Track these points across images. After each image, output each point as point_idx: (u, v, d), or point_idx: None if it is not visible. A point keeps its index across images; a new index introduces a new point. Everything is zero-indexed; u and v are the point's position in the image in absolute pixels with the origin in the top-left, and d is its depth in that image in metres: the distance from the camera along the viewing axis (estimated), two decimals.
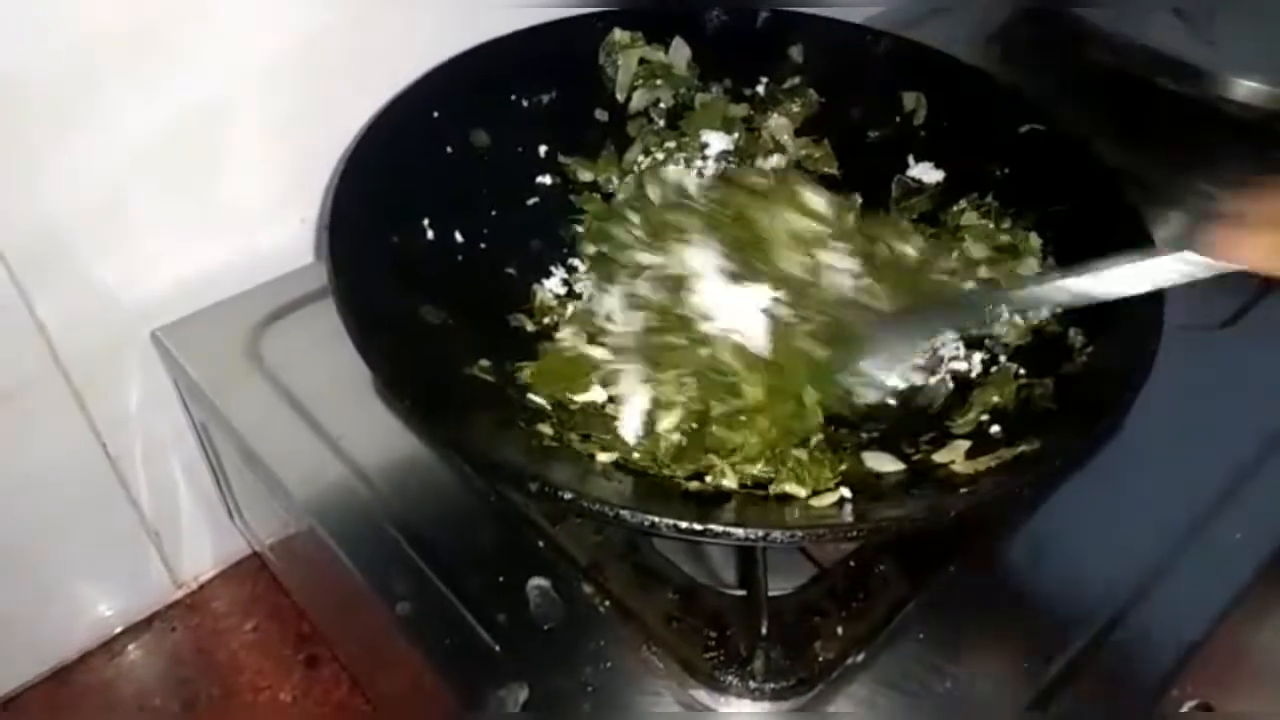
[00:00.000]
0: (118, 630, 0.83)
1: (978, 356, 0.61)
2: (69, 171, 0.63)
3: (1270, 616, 0.61)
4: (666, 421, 0.54)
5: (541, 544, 0.57)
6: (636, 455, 0.53)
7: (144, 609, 0.84)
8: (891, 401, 0.60)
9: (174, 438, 0.78)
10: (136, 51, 0.62)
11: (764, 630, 0.51)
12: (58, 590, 0.79)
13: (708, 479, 0.52)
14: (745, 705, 0.51)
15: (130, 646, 0.83)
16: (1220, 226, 0.47)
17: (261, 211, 0.74)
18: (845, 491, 0.51)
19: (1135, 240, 0.61)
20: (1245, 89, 0.87)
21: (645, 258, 0.64)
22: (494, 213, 0.70)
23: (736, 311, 0.60)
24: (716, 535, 0.45)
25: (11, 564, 0.75)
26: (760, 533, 0.45)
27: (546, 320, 0.67)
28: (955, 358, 0.60)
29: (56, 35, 0.59)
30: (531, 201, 0.72)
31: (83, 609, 0.81)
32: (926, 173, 0.74)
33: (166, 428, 0.77)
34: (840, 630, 0.53)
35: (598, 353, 0.60)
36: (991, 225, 0.67)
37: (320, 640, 0.82)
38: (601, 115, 0.76)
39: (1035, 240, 0.66)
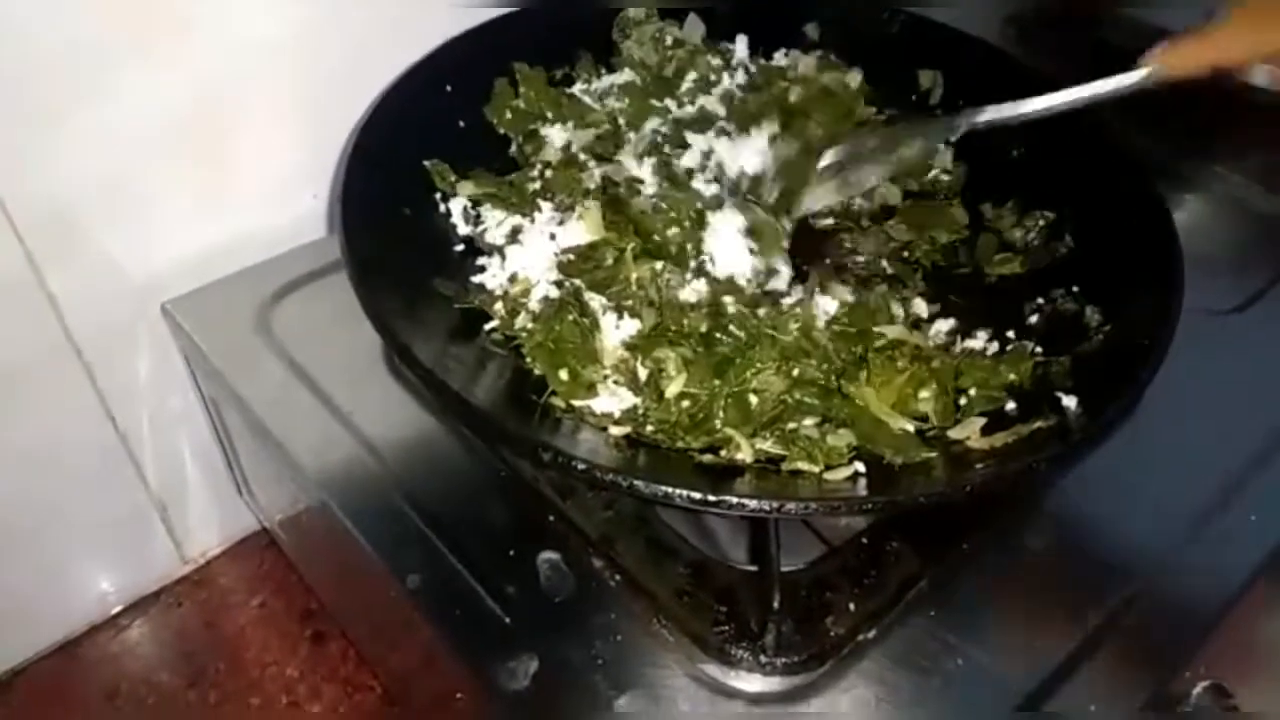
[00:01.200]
0: (124, 605, 0.83)
1: (987, 333, 0.60)
2: (81, 145, 0.63)
3: None
4: (674, 386, 0.53)
5: (552, 518, 0.57)
6: (650, 428, 0.53)
7: (151, 584, 0.84)
8: None
9: (183, 412, 0.78)
10: (150, 25, 0.62)
11: (775, 605, 0.51)
12: (65, 564, 0.79)
13: (721, 453, 0.52)
14: (755, 679, 0.50)
15: (137, 622, 0.83)
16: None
17: (273, 185, 0.74)
18: (859, 466, 0.50)
19: (1153, 219, 0.61)
20: (1262, 72, 0.86)
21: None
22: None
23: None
24: (731, 506, 0.45)
25: (19, 537, 0.75)
26: (775, 504, 0.45)
27: None
28: (970, 335, 0.60)
29: (70, 8, 0.58)
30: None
31: (90, 584, 0.81)
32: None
33: (176, 402, 0.77)
34: (852, 606, 0.53)
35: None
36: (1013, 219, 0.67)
37: (327, 616, 0.82)
38: None
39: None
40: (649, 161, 0.66)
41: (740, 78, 0.73)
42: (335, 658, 0.81)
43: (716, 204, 0.64)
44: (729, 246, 0.62)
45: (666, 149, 0.67)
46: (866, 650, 0.52)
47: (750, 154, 0.67)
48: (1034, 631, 0.53)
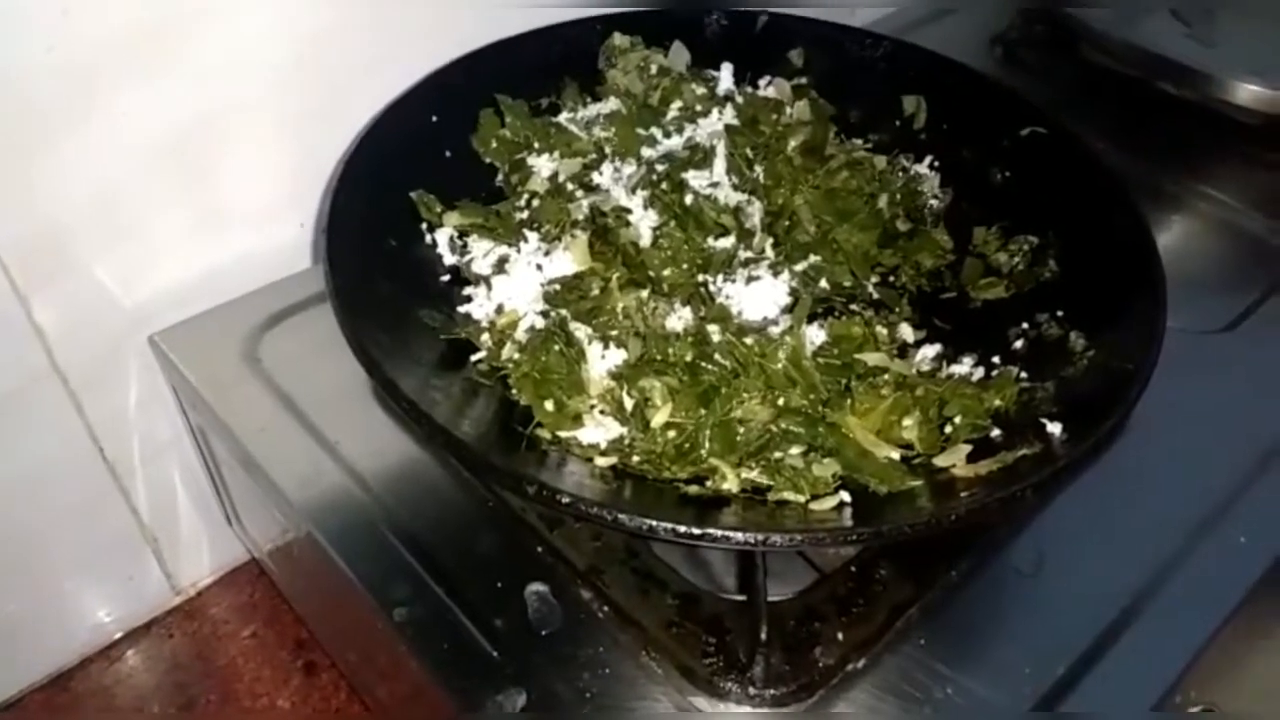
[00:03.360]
0: (116, 636, 0.83)
1: (973, 359, 0.60)
2: (68, 175, 0.63)
3: (1275, 619, 0.60)
4: (660, 416, 0.53)
5: (540, 549, 0.57)
6: (636, 458, 0.53)
7: (142, 615, 0.84)
8: None
9: (172, 443, 0.78)
10: (138, 56, 0.62)
11: (763, 636, 0.50)
12: (56, 596, 0.78)
13: (708, 484, 0.52)
14: (744, 712, 0.50)
15: (129, 652, 0.83)
16: None
17: (261, 215, 0.74)
18: (845, 495, 0.50)
19: (1136, 243, 0.61)
20: (1245, 92, 0.87)
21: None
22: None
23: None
24: (715, 539, 0.44)
25: (10, 569, 0.74)
26: (759, 536, 0.45)
27: None
28: (955, 361, 0.60)
29: (59, 39, 0.59)
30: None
31: (81, 615, 0.81)
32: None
33: (164, 433, 0.77)
34: (840, 636, 0.53)
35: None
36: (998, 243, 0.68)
37: (318, 647, 0.82)
38: None
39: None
40: (641, 194, 0.66)
41: (729, 113, 0.73)
42: (327, 688, 0.81)
43: (727, 259, 0.64)
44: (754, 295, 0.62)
45: (664, 186, 0.66)
46: (856, 680, 0.51)
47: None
48: (1024, 658, 0.53)
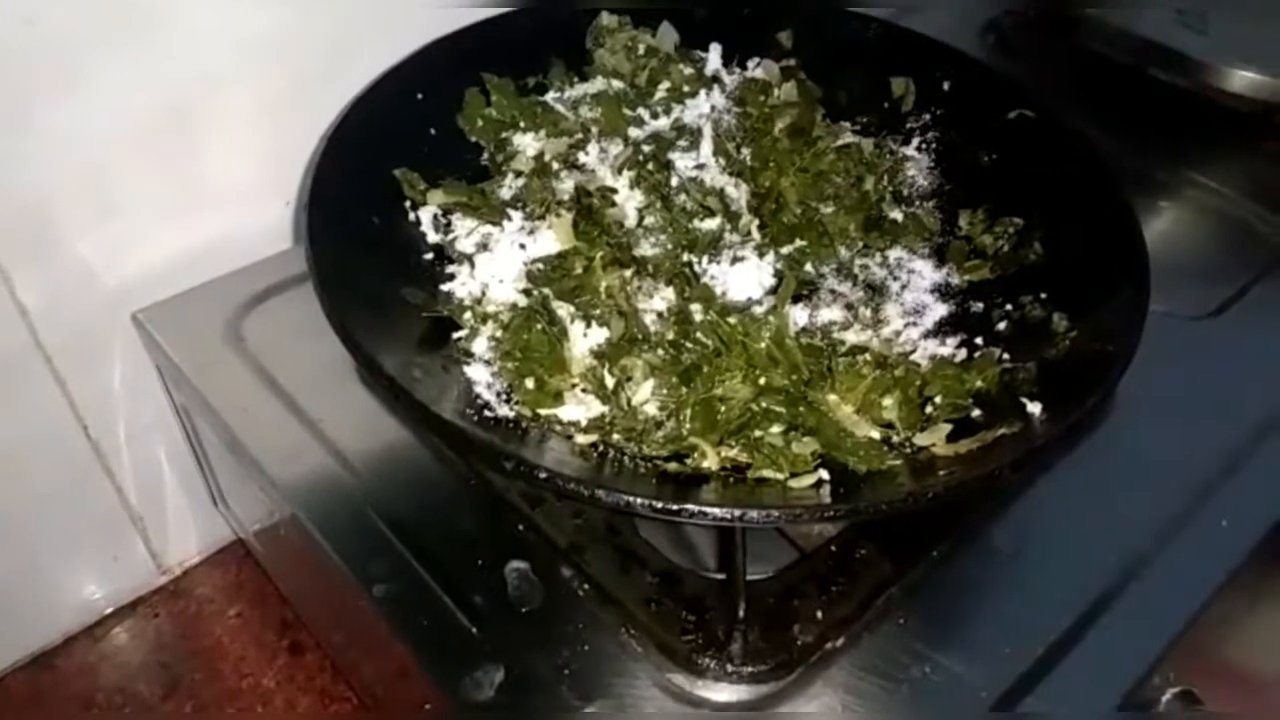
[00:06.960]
0: (101, 615, 0.83)
1: (956, 340, 0.60)
2: (51, 152, 0.63)
3: (1255, 604, 0.61)
4: (640, 394, 0.53)
5: (521, 527, 0.57)
6: (616, 436, 0.53)
7: (128, 594, 0.84)
8: None
9: (157, 422, 0.77)
10: (121, 30, 0.62)
11: (741, 613, 0.50)
12: (41, 574, 0.78)
13: (688, 461, 0.52)
14: (722, 688, 0.50)
15: (114, 631, 0.83)
16: None
17: (245, 193, 0.74)
18: (824, 473, 0.50)
19: (1120, 225, 0.61)
20: (1239, 79, 0.86)
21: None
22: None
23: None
24: (692, 515, 0.44)
25: None
26: (736, 513, 0.44)
27: None
28: (939, 342, 0.60)
29: (39, 12, 0.58)
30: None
31: (67, 594, 0.81)
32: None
33: (149, 411, 0.77)
34: (820, 614, 0.53)
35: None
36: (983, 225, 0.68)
37: (303, 627, 0.82)
38: None
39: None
40: (627, 175, 0.66)
41: (718, 97, 0.72)
42: (312, 668, 0.81)
43: (712, 240, 0.64)
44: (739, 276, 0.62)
45: (650, 166, 0.66)
46: (834, 658, 0.51)
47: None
48: (1004, 638, 0.53)
